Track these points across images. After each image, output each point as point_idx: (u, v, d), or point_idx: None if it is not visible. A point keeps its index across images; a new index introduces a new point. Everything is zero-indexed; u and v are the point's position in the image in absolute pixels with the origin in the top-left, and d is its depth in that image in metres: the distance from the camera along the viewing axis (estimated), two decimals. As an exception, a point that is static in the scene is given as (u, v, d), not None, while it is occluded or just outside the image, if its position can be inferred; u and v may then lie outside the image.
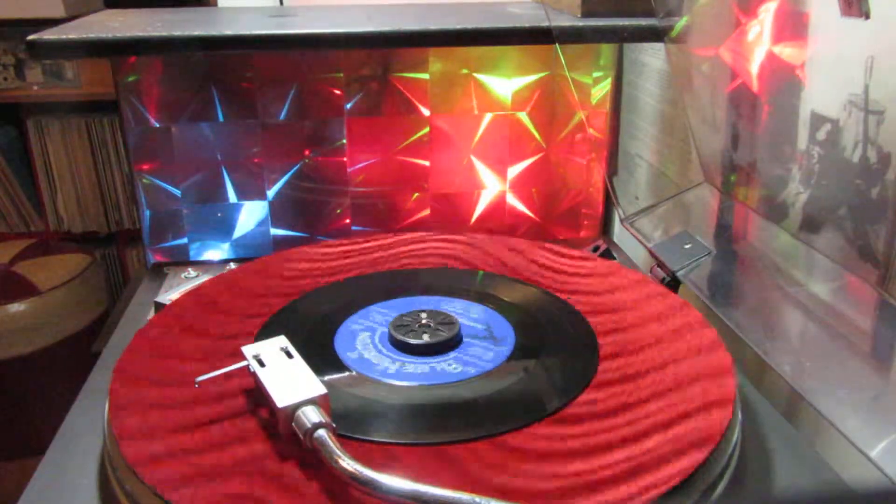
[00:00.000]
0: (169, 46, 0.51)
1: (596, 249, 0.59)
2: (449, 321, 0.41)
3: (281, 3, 1.04)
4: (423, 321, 0.41)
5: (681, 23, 0.52)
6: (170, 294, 0.50)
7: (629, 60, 0.66)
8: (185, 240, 0.63)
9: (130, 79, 0.58)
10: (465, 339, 0.40)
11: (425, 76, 0.61)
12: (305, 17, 0.60)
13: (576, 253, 0.51)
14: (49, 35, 0.49)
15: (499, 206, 0.66)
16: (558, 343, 0.40)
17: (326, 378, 0.36)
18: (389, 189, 0.64)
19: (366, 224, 0.65)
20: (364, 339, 0.40)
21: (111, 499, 0.32)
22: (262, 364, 0.34)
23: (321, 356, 0.38)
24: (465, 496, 0.26)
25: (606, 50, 0.63)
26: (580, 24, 0.53)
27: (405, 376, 0.37)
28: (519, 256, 0.51)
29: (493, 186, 0.66)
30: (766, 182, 0.46)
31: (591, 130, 0.65)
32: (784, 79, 0.43)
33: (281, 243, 0.64)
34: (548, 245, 0.52)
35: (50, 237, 1.37)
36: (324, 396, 0.32)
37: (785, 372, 0.37)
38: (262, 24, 0.56)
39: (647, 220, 0.56)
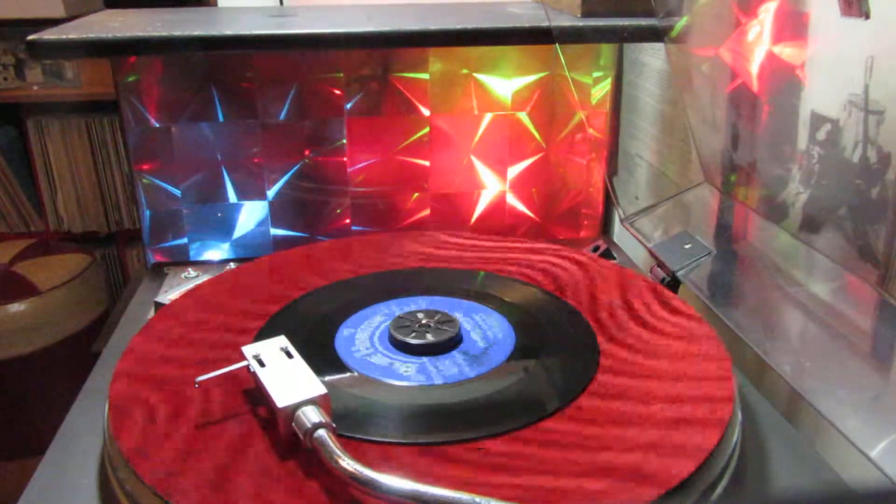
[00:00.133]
0: (169, 46, 0.51)
1: (596, 249, 0.59)
2: (449, 321, 0.41)
3: (281, 3, 1.04)
4: (424, 321, 0.41)
5: (681, 23, 0.52)
6: (170, 294, 0.50)
7: (629, 60, 0.66)
8: (185, 240, 0.63)
9: (130, 79, 0.58)
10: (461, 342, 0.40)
11: (425, 76, 0.61)
12: (305, 17, 0.60)
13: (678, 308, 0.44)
14: (49, 35, 0.49)
15: (499, 206, 0.66)
16: (558, 343, 0.40)
17: (326, 378, 0.36)
18: (389, 189, 0.64)
19: (366, 224, 0.65)
20: (364, 338, 0.40)
21: (111, 499, 0.32)
22: (262, 364, 0.34)
23: (321, 356, 0.38)
24: (465, 496, 0.26)
25: (606, 50, 0.63)
26: (580, 24, 0.53)
27: (405, 376, 0.37)
28: (637, 300, 0.45)
29: (493, 186, 0.66)
30: (766, 182, 0.46)
31: (591, 130, 0.65)
32: (784, 79, 0.43)
33: (281, 243, 0.64)
34: (662, 292, 0.46)
35: (50, 237, 1.37)
36: (324, 396, 0.32)
37: (785, 372, 0.37)
38: (262, 24, 0.56)
39: (647, 220, 0.56)
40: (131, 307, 0.53)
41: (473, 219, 0.66)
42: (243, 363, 0.35)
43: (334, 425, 0.30)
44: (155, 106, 0.59)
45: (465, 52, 0.61)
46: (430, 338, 0.39)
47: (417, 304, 0.44)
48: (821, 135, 0.39)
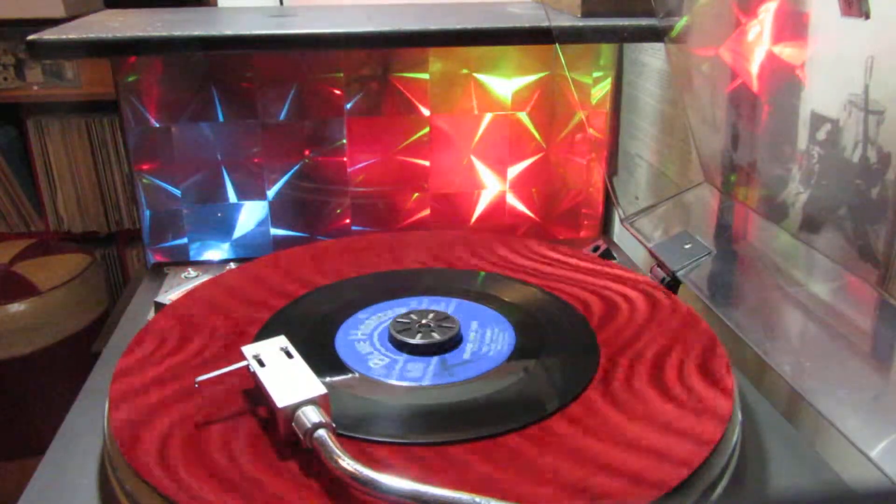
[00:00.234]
0: (169, 46, 0.51)
1: (596, 249, 0.59)
2: (449, 321, 0.41)
3: (281, 3, 1.04)
4: (424, 321, 0.41)
5: (681, 23, 0.52)
6: (170, 294, 0.50)
7: (629, 60, 0.66)
8: (185, 240, 0.63)
9: (130, 79, 0.58)
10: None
11: (425, 76, 0.61)
12: (305, 17, 0.60)
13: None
14: (49, 35, 0.49)
15: (499, 206, 0.66)
16: (558, 343, 0.40)
17: (326, 378, 0.36)
18: (389, 189, 0.64)
19: (366, 224, 0.65)
20: (364, 338, 0.40)
21: (111, 499, 0.32)
22: (261, 364, 0.34)
23: (321, 356, 0.38)
24: (465, 496, 0.26)
25: (606, 50, 0.63)
26: (580, 24, 0.53)
27: (405, 376, 0.37)
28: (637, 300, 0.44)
29: (493, 186, 0.66)
30: (766, 182, 0.46)
31: (591, 130, 0.65)
32: (784, 79, 0.43)
33: (281, 243, 0.64)
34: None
35: (50, 237, 1.37)
36: (324, 396, 0.32)
37: (785, 372, 0.37)
38: (262, 24, 0.56)
39: (647, 220, 0.56)
40: (131, 307, 0.53)
41: (473, 219, 0.66)
42: (243, 363, 0.35)
43: (334, 425, 0.30)
44: (155, 106, 0.59)
45: (465, 52, 0.61)
46: (430, 338, 0.39)
47: (418, 305, 0.44)
48: (821, 135, 0.39)
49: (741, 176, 0.49)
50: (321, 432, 0.30)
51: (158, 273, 0.58)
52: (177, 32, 0.50)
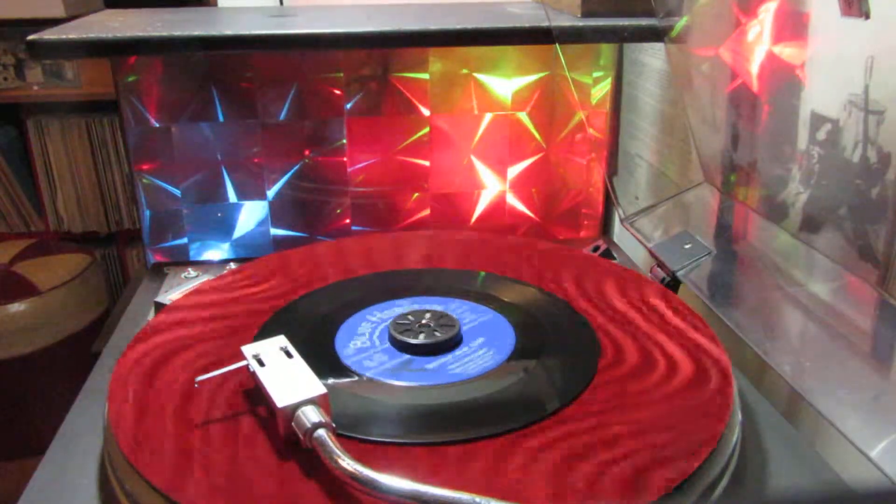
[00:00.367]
0: (169, 46, 0.51)
1: (596, 249, 0.59)
2: (449, 321, 0.41)
3: (281, 3, 1.04)
4: (424, 321, 0.41)
5: (681, 23, 0.52)
6: (170, 294, 0.50)
7: (629, 60, 0.66)
8: (185, 240, 0.63)
9: (130, 79, 0.58)
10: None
11: (425, 76, 0.61)
12: (305, 17, 0.60)
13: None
14: (49, 35, 0.49)
15: (499, 206, 0.66)
16: (558, 343, 0.40)
17: (326, 378, 0.36)
18: (389, 189, 0.64)
19: (366, 224, 0.65)
20: (364, 338, 0.40)
21: (111, 499, 0.32)
22: (261, 364, 0.34)
23: (321, 356, 0.38)
24: (465, 496, 0.26)
25: (606, 50, 0.63)
26: (580, 24, 0.53)
27: (405, 376, 0.37)
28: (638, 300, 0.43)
29: (493, 186, 0.66)
30: (766, 182, 0.46)
31: (591, 130, 0.65)
32: (784, 79, 0.43)
33: (281, 243, 0.64)
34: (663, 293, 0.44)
35: (50, 237, 1.37)
36: (323, 396, 0.32)
37: (785, 372, 0.37)
38: (262, 24, 0.56)
39: (647, 220, 0.56)
40: (131, 307, 0.53)
41: (473, 219, 0.66)
42: (243, 363, 0.35)
43: (334, 425, 0.30)
44: (155, 106, 0.59)
45: (465, 52, 0.61)
46: (430, 338, 0.39)
47: (417, 304, 0.44)
48: (821, 135, 0.39)
49: (741, 176, 0.49)
50: (321, 432, 0.30)
51: (158, 273, 0.58)
52: (177, 32, 0.50)
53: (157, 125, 0.59)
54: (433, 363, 0.38)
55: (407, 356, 0.39)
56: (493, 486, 0.29)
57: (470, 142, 0.64)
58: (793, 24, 0.41)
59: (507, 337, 0.40)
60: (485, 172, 0.65)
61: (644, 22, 0.53)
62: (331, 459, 0.28)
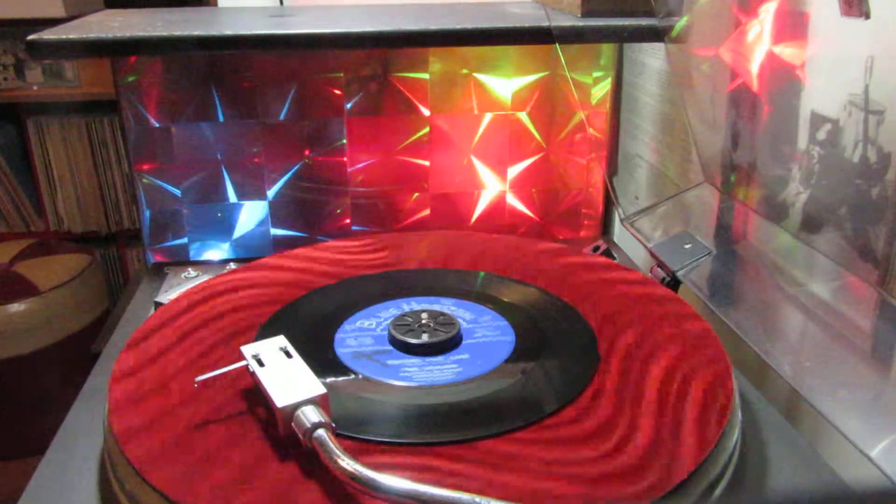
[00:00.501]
0: (169, 46, 0.50)
1: (596, 249, 0.59)
2: (449, 321, 0.41)
3: (281, 3, 1.04)
4: (424, 321, 0.41)
5: (681, 23, 0.52)
6: (170, 294, 0.50)
7: (629, 60, 0.66)
8: (185, 240, 0.63)
9: (130, 79, 0.58)
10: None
11: (425, 76, 0.61)
12: (305, 17, 0.60)
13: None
14: (49, 35, 0.49)
15: (499, 206, 0.66)
16: (558, 344, 0.40)
17: (326, 378, 0.36)
18: (389, 189, 0.64)
19: (366, 224, 0.65)
20: (364, 338, 0.40)
21: (111, 499, 0.32)
22: (261, 364, 0.34)
23: (321, 356, 0.38)
24: (465, 496, 0.26)
25: (606, 50, 0.63)
26: (580, 24, 0.53)
27: (405, 376, 0.37)
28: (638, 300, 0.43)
29: (493, 186, 0.66)
30: (766, 182, 0.46)
31: (591, 130, 0.65)
32: (784, 79, 0.43)
33: (281, 243, 0.64)
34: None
35: (50, 237, 1.37)
36: (323, 396, 0.32)
37: (785, 372, 0.37)
38: (262, 24, 0.56)
39: (647, 220, 0.56)
40: (131, 307, 0.53)
41: (473, 219, 0.66)
42: (242, 363, 0.35)
43: (333, 425, 0.30)
44: (155, 106, 0.59)
45: (465, 52, 0.61)
46: (430, 338, 0.39)
47: (417, 304, 0.44)
48: (821, 135, 0.39)
49: (741, 176, 0.49)
50: (321, 432, 0.30)
51: (158, 273, 0.58)
52: (177, 32, 0.50)
53: (157, 125, 0.59)
54: (433, 363, 0.38)
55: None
56: (492, 486, 0.29)
57: (470, 142, 0.64)
58: (793, 24, 0.41)
59: (506, 337, 0.40)
60: (485, 172, 0.65)
61: (644, 22, 0.53)
62: (331, 459, 0.28)
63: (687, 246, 0.50)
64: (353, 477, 0.27)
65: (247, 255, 0.64)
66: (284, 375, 0.33)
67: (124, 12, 0.64)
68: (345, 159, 0.63)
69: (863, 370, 0.36)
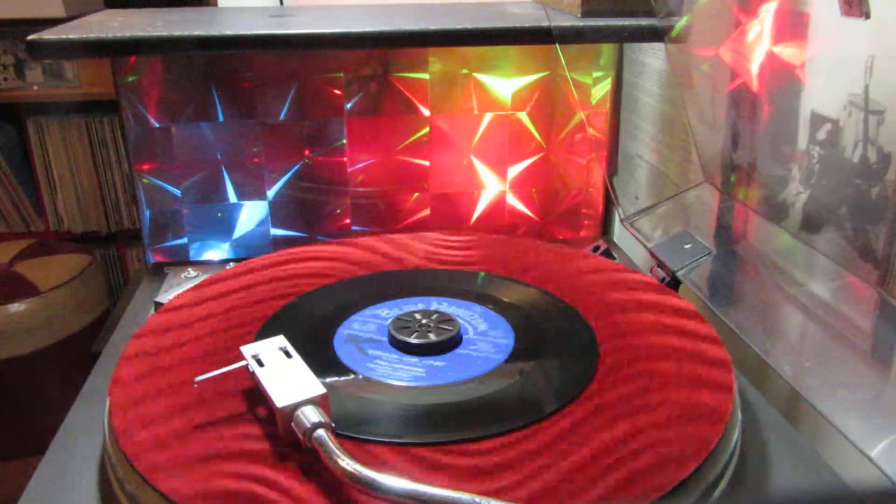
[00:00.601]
0: (169, 46, 0.51)
1: (596, 249, 0.59)
2: (449, 321, 0.41)
3: (281, 3, 1.04)
4: (424, 321, 0.41)
5: (681, 23, 0.52)
6: (170, 294, 0.50)
7: (629, 60, 0.66)
8: (185, 240, 0.63)
9: (130, 79, 0.58)
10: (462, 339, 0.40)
11: (425, 76, 0.61)
12: (305, 17, 0.60)
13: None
14: (49, 35, 0.49)
15: (499, 206, 0.66)
16: (558, 344, 0.40)
17: (325, 378, 0.36)
18: (389, 189, 0.64)
19: (366, 224, 0.65)
20: (364, 338, 0.40)
21: (111, 499, 0.32)
22: (260, 364, 0.34)
23: (320, 356, 0.38)
24: (465, 496, 0.26)
25: (606, 50, 0.63)
26: (580, 24, 0.53)
27: (405, 376, 0.37)
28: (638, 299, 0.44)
29: (493, 186, 0.66)
30: (766, 182, 0.46)
31: (591, 130, 0.65)
32: (784, 79, 0.43)
33: (281, 243, 0.64)
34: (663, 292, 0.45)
35: (50, 237, 1.37)
36: (323, 396, 0.32)
37: (785, 372, 0.37)
38: (262, 24, 0.56)
39: (647, 220, 0.56)
40: (131, 307, 0.53)
41: (473, 219, 0.66)
42: (242, 363, 0.35)
43: (333, 425, 0.30)
44: (155, 106, 0.59)
45: (465, 52, 0.61)
46: (429, 338, 0.39)
47: (418, 305, 0.44)
48: (821, 135, 0.39)
49: (741, 176, 0.49)
50: (320, 432, 0.30)
51: (158, 273, 0.58)
52: (177, 32, 0.50)
53: (157, 125, 0.59)
54: (433, 362, 0.38)
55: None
56: (492, 485, 0.29)
57: (470, 142, 0.64)
58: (793, 24, 0.41)
59: (506, 337, 0.40)
60: (485, 172, 0.65)
61: (644, 22, 0.53)
62: (330, 459, 0.28)
63: (687, 246, 0.50)
64: (353, 477, 0.27)
65: (247, 255, 0.64)
66: (284, 375, 0.33)
67: (124, 12, 0.64)
68: (345, 159, 0.63)
69: (863, 370, 0.36)
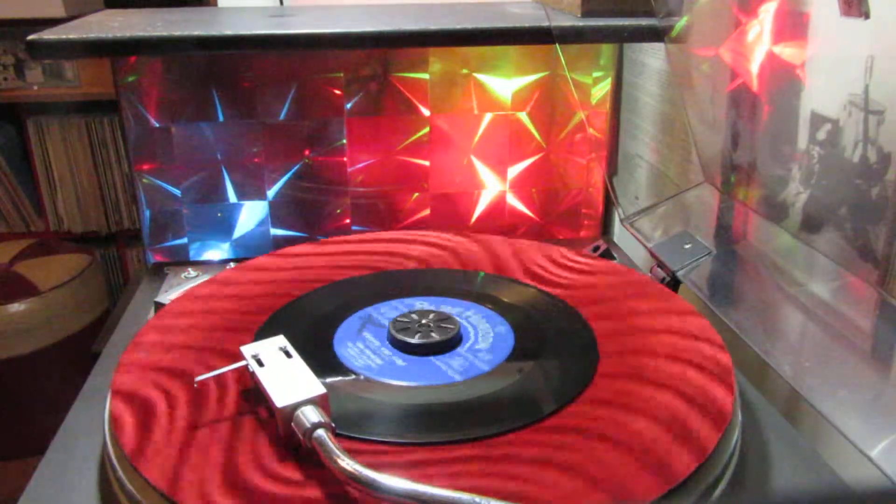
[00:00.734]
0: (169, 46, 0.51)
1: (596, 249, 0.59)
2: (449, 321, 0.41)
3: (281, 3, 1.04)
4: (423, 321, 0.41)
5: (681, 23, 0.52)
6: (170, 294, 0.50)
7: (629, 60, 0.66)
8: (185, 240, 0.63)
9: (130, 79, 0.58)
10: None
11: (425, 76, 0.61)
12: (305, 17, 0.60)
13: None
14: (49, 35, 0.49)
15: (499, 206, 0.66)
16: (558, 344, 0.40)
17: (325, 378, 0.36)
18: (389, 189, 0.64)
19: (366, 224, 0.65)
20: (364, 338, 0.40)
21: (111, 499, 0.32)
22: (260, 364, 0.34)
23: (320, 356, 0.38)
24: (465, 496, 0.26)
25: (606, 50, 0.63)
26: (580, 24, 0.53)
27: (405, 376, 0.37)
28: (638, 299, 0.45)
29: (493, 186, 0.66)
30: (766, 182, 0.46)
31: (591, 130, 0.65)
32: (784, 79, 0.43)
33: (281, 243, 0.64)
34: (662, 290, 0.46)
35: (50, 237, 1.37)
36: (323, 396, 0.32)
37: (785, 372, 0.37)
38: (262, 24, 0.56)
39: (647, 220, 0.56)
40: (131, 307, 0.53)
41: (473, 219, 0.66)
42: (242, 363, 0.35)
43: (333, 425, 0.30)
44: (155, 106, 0.59)
45: (465, 52, 0.61)
46: (429, 338, 0.39)
47: (417, 304, 0.44)
48: (821, 135, 0.39)
49: (741, 176, 0.49)
50: (320, 432, 0.30)
51: (158, 273, 0.58)
52: (177, 32, 0.50)
53: (157, 125, 0.59)
54: (433, 362, 0.38)
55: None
56: (492, 485, 0.29)
57: (470, 142, 0.64)
58: (793, 24, 0.41)
59: (506, 337, 0.40)
60: (485, 172, 0.65)
61: (644, 22, 0.53)
62: (330, 459, 0.28)
63: (687, 246, 0.50)
64: (353, 477, 0.27)
65: (247, 255, 0.64)
66: (284, 375, 0.33)
67: (124, 12, 0.64)
68: (345, 159, 0.63)
69: (863, 370, 0.36)
